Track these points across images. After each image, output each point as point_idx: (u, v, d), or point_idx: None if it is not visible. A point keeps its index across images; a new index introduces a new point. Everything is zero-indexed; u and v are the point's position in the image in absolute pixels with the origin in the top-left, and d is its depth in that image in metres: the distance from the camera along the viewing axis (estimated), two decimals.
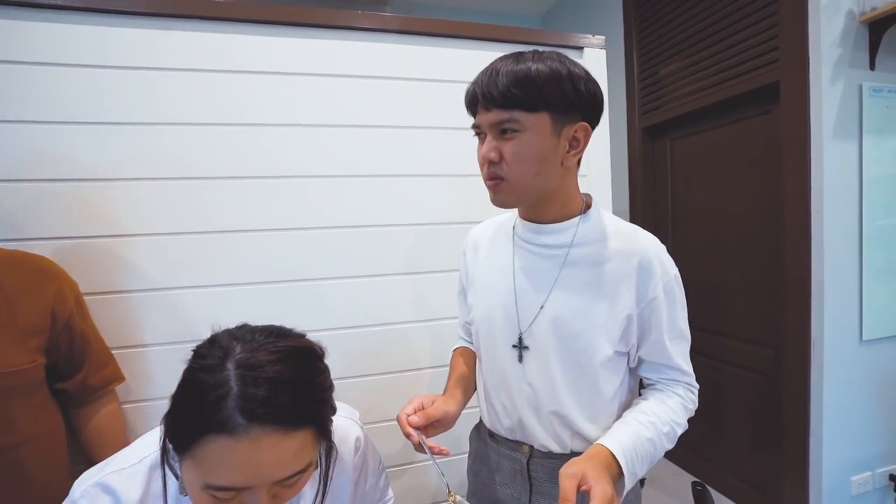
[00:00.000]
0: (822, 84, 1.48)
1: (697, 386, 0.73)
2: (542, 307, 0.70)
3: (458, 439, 0.87)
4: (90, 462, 0.83)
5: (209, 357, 0.47)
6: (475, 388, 0.84)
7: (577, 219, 0.71)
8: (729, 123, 1.99)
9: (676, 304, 0.70)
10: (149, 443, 0.58)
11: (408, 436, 0.69)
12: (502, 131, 0.64)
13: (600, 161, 1.22)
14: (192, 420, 0.45)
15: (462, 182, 1.14)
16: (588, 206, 0.73)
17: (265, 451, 0.45)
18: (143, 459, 0.56)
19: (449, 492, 0.67)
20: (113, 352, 0.92)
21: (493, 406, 0.77)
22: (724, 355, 2.07)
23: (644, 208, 2.41)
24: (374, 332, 1.09)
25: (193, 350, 0.50)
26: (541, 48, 0.68)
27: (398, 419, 0.71)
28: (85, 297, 0.89)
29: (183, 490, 0.53)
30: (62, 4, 0.89)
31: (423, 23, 1.13)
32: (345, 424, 0.67)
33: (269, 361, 0.47)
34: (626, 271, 0.67)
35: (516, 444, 0.75)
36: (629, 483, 0.62)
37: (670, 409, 0.69)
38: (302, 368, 0.49)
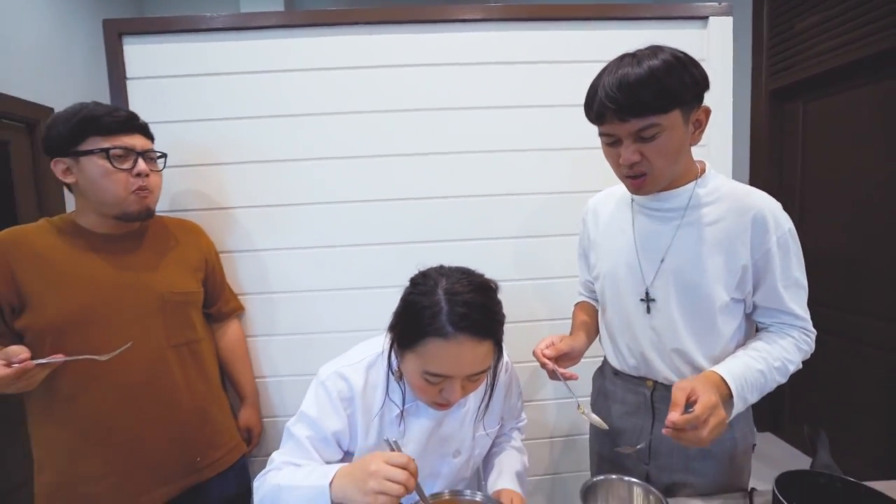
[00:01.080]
0: None
1: (814, 332, 0.79)
2: (662, 261, 0.81)
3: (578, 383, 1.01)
4: (224, 365, 1.17)
5: (423, 285, 0.69)
6: (597, 333, 0.98)
7: (692, 184, 0.80)
8: (879, 81, 1.79)
9: (791, 256, 0.76)
10: (362, 350, 0.81)
11: (543, 365, 0.86)
12: (642, 136, 0.71)
13: (721, 130, 1.22)
14: (416, 327, 0.66)
15: (574, 155, 1.23)
16: (702, 172, 0.81)
17: (465, 352, 0.65)
18: (362, 360, 0.80)
19: (578, 406, 0.83)
20: None
21: (618, 347, 0.90)
22: (857, 334, 1.93)
23: (767, 176, 2.27)
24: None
25: (410, 280, 0.72)
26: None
27: (534, 353, 0.88)
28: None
29: (396, 377, 0.75)
30: (207, 27, 1.15)
31: (544, 9, 1.20)
32: None
33: (465, 290, 0.66)
34: (741, 227, 0.75)
35: (640, 380, 0.88)
36: (739, 406, 0.71)
37: (782, 347, 0.76)
38: (487, 297, 0.69)
